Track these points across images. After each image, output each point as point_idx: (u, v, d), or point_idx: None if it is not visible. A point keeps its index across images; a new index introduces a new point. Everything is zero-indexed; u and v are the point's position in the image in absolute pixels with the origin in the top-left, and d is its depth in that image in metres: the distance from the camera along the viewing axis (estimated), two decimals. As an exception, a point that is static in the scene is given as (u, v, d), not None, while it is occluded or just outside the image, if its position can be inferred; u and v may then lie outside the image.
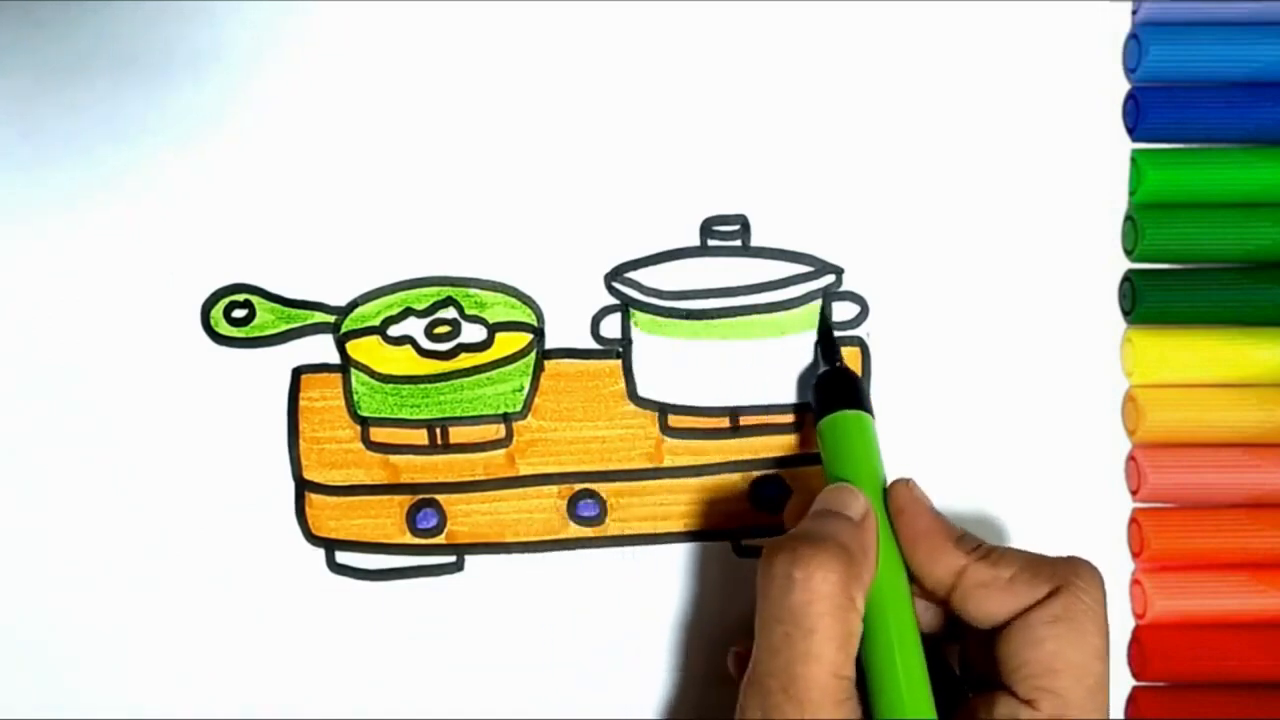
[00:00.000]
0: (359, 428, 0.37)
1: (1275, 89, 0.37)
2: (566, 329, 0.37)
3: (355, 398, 0.37)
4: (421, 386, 0.37)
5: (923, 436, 0.38)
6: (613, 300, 0.37)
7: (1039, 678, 0.29)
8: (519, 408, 0.37)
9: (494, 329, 0.37)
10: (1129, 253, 0.38)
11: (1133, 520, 0.38)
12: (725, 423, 0.37)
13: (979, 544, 0.31)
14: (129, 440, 0.37)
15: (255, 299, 0.37)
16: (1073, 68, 0.38)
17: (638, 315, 0.37)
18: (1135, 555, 0.38)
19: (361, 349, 0.37)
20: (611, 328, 0.37)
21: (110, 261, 0.37)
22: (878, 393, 0.38)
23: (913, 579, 0.31)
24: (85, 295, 0.36)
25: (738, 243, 0.37)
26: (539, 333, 0.37)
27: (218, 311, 0.37)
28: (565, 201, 0.37)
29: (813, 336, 0.37)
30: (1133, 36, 0.38)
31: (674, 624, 0.37)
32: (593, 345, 0.37)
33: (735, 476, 0.37)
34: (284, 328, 0.37)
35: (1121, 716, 0.38)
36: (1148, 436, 0.38)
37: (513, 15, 0.37)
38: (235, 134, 0.37)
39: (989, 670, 0.30)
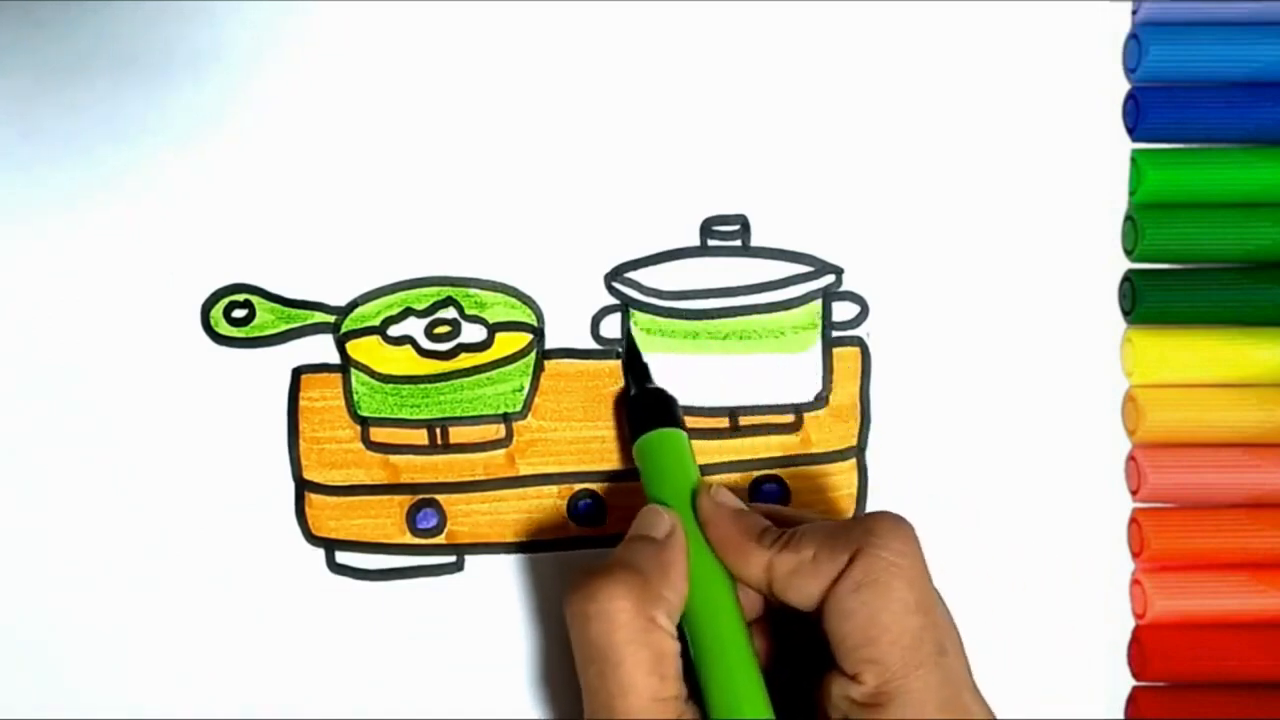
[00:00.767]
0: (359, 428, 0.37)
1: (1275, 89, 0.37)
2: (566, 329, 0.37)
3: (355, 398, 0.37)
4: (421, 386, 0.37)
5: (922, 436, 0.38)
6: (613, 300, 0.37)
7: (858, 649, 0.29)
8: (519, 408, 0.37)
9: (494, 329, 0.37)
10: (1129, 253, 0.38)
11: (1133, 520, 0.38)
12: (725, 423, 0.37)
13: (780, 533, 0.31)
14: (129, 440, 0.37)
15: (255, 299, 0.37)
16: (1073, 68, 0.38)
17: (637, 316, 0.37)
18: (1135, 555, 0.38)
19: (361, 349, 0.37)
20: (611, 328, 0.37)
21: (110, 261, 0.36)
22: (878, 393, 0.38)
23: (736, 580, 0.32)
24: (85, 295, 0.36)
25: (738, 243, 0.37)
26: (539, 333, 0.37)
27: (218, 311, 0.37)
28: (565, 201, 0.37)
29: (814, 337, 0.37)
30: (1133, 36, 0.38)
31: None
32: (593, 345, 0.37)
33: (735, 476, 0.37)
34: (284, 328, 0.37)
35: (1121, 716, 0.38)
36: (1148, 436, 0.38)
37: (513, 15, 0.37)
38: (235, 134, 0.37)
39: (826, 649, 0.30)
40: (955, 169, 0.38)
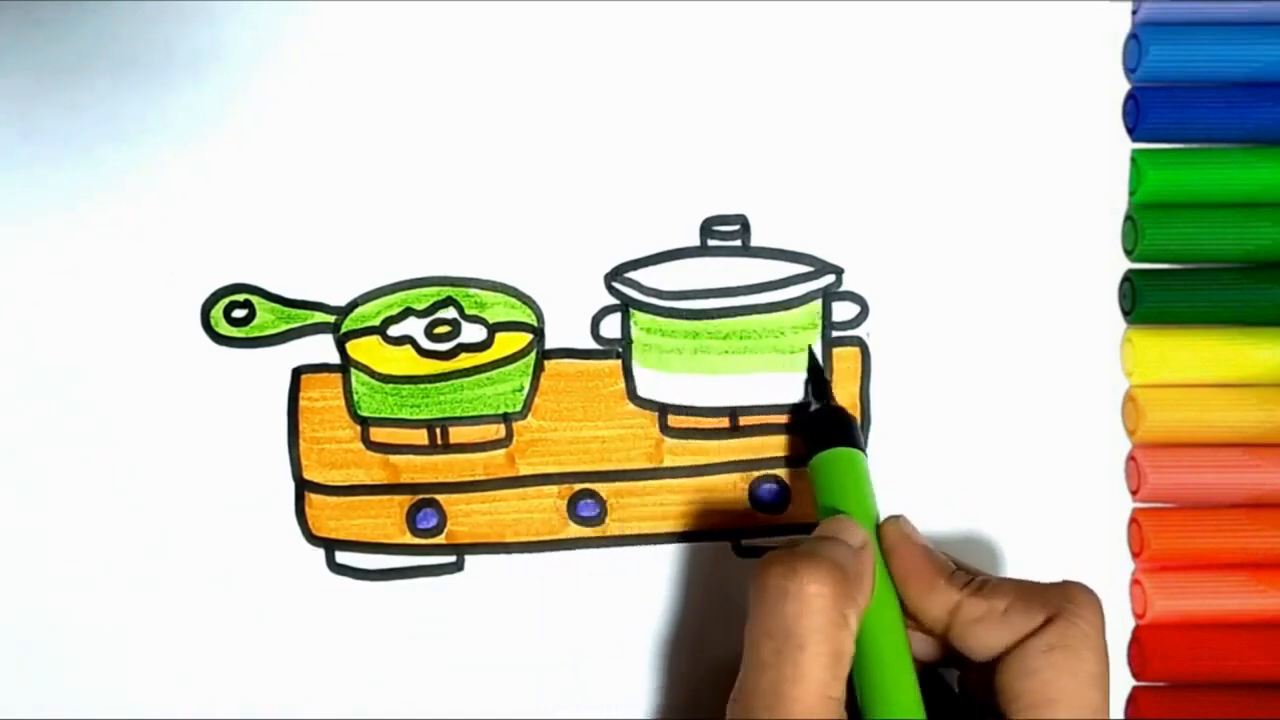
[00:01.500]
0: (359, 428, 0.37)
1: (1275, 89, 0.37)
2: (566, 329, 0.37)
3: (355, 398, 0.37)
4: (421, 386, 0.37)
5: (923, 437, 0.38)
6: (613, 300, 0.37)
7: (1035, 708, 0.29)
8: (519, 408, 0.37)
9: (494, 329, 0.37)
10: (1129, 253, 0.38)
11: (1133, 520, 0.38)
12: (725, 423, 0.37)
13: (971, 577, 0.31)
14: (129, 440, 0.37)
15: (255, 299, 0.37)
16: (1073, 68, 0.38)
17: (637, 316, 0.37)
18: (1135, 555, 0.38)
19: (361, 349, 0.37)
20: (611, 328, 0.37)
21: (110, 261, 0.37)
22: (878, 393, 0.38)
23: (909, 615, 0.31)
24: (85, 295, 0.36)
25: (738, 243, 0.37)
26: (539, 333, 0.37)
27: (218, 311, 0.37)
28: (565, 201, 0.37)
29: (814, 336, 0.37)
30: (1133, 36, 0.38)
31: (673, 624, 0.37)
32: (593, 345, 0.37)
33: (735, 476, 0.37)
34: (284, 328, 0.37)
35: (1121, 716, 0.38)
36: (1148, 436, 0.38)
37: (513, 15, 0.37)
38: (235, 134, 0.37)
39: (988, 699, 0.30)
40: (955, 169, 0.38)
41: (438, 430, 0.37)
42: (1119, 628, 0.38)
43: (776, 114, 0.37)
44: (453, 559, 0.37)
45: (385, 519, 0.37)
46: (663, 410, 0.37)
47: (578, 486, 0.37)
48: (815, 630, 0.29)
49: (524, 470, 0.37)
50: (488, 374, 0.37)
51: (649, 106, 0.37)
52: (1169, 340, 0.38)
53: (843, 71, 0.37)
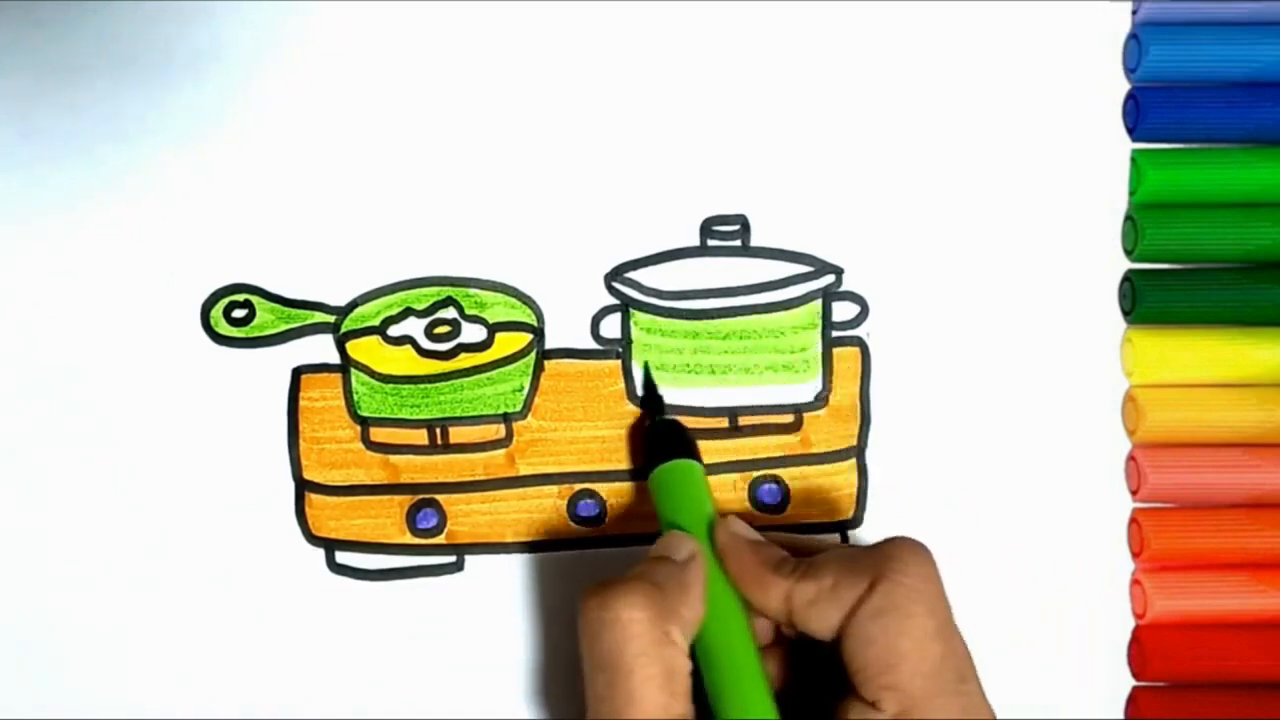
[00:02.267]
0: (359, 428, 0.37)
1: (1275, 89, 0.37)
2: (566, 329, 0.37)
3: (355, 398, 0.37)
4: (421, 386, 0.37)
5: (923, 436, 0.38)
6: (613, 300, 0.37)
7: (878, 676, 0.29)
8: (519, 408, 0.37)
9: (494, 329, 0.37)
10: (1129, 253, 0.38)
11: (1133, 520, 0.38)
12: (725, 423, 0.37)
13: (798, 563, 0.31)
14: (129, 440, 0.37)
15: (255, 299, 0.37)
16: (1073, 68, 0.38)
17: (637, 316, 0.37)
18: (1135, 555, 0.38)
19: (361, 349, 0.37)
20: (611, 328, 0.37)
21: (110, 261, 0.36)
22: (878, 393, 0.38)
23: (756, 613, 0.32)
24: (85, 295, 0.36)
25: (738, 243, 0.37)
26: (539, 333, 0.37)
27: (218, 311, 0.37)
28: (565, 201, 0.37)
29: (814, 337, 0.37)
30: (1133, 36, 0.38)
31: (674, 624, 0.37)
32: (593, 345, 0.37)
33: (735, 476, 0.37)
34: (284, 328, 0.37)
35: (1121, 716, 0.38)
36: (1148, 436, 0.38)
37: (513, 15, 0.37)
38: (235, 134, 0.37)
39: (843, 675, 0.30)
40: (955, 169, 0.38)
41: (438, 430, 0.37)
42: (1119, 628, 0.38)
43: (776, 114, 0.37)
44: (453, 559, 0.37)
45: (385, 519, 0.37)
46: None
47: (578, 486, 0.37)
48: (639, 654, 0.29)
49: (524, 470, 0.37)
50: (488, 374, 0.37)
51: (649, 106, 0.37)
52: (1169, 340, 0.38)
53: (843, 71, 0.37)
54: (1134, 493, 0.38)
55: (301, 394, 0.37)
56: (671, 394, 0.37)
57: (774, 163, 0.37)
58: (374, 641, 0.37)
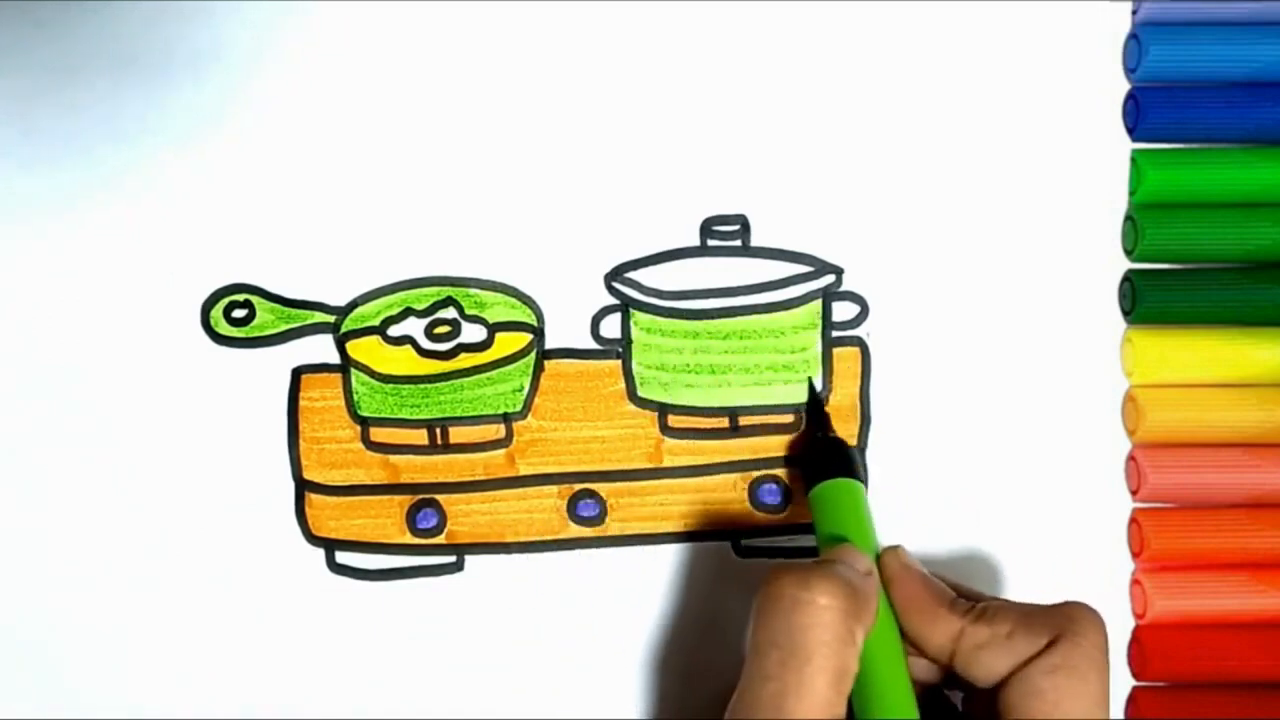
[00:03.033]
0: (359, 428, 0.37)
1: (1275, 89, 0.37)
2: (566, 329, 0.37)
3: (355, 398, 0.37)
4: (421, 386, 0.37)
5: (923, 437, 0.38)
6: (613, 300, 0.37)
7: None
8: (519, 408, 0.37)
9: (494, 329, 0.37)
10: (1129, 253, 0.38)
11: (1133, 520, 0.38)
12: (725, 423, 0.37)
13: (972, 605, 0.31)
14: (129, 440, 0.37)
15: (255, 299, 0.37)
16: (1073, 68, 0.38)
17: (637, 316, 0.37)
18: (1135, 555, 0.38)
19: (361, 349, 0.37)
20: (611, 328, 0.37)
21: (110, 261, 0.37)
22: (878, 393, 0.38)
23: (911, 644, 0.31)
24: (85, 295, 0.36)
25: (738, 243, 0.37)
26: (539, 333, 0.37)
27: (218, 311, 0.37)
28: (565, 201, 0.37)
29: (814, 336, 0.37)
30: (1133, 36, 0.38)
31: (673, 624, 0.37)
32: (593, 345, 0.37)
33: (735, 476, 0.37)
34: (284, 328, 0.37)
35: (1121, 716, 0.38)
36: (1148, 436, 0.38)
37: (513, 15, 0.37)
38: (235, 134, 0.37)
39: None
40: (955, 169, 0.38)
41: (438, 430, 0.37)
42: (1119, 628, 0.38)
43: (776, 114, 0.37)
44: (453, 559, 0.37)
45: (385, 519, 0.37)
46: (662, 410, 0.37)
47: (578, 486, 0.37)
48: (823, 644, 0.28)
49: (524, 470, 0.37)
50: (488, 374, 0.37)
51: (649, 106, 0.37)
52: (1169, 340, 0.38)
53: (843, 71, 0.37)
54: (1134, 493, 0.38)
55: (301, 394, 0.37)
56: (672, 393, 0.37)
57: (774, 163, 0.37)
58: (374, 641, 0.37)
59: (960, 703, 0.33)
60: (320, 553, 0.37)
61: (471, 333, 0.37)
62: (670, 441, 0.37)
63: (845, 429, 0.37)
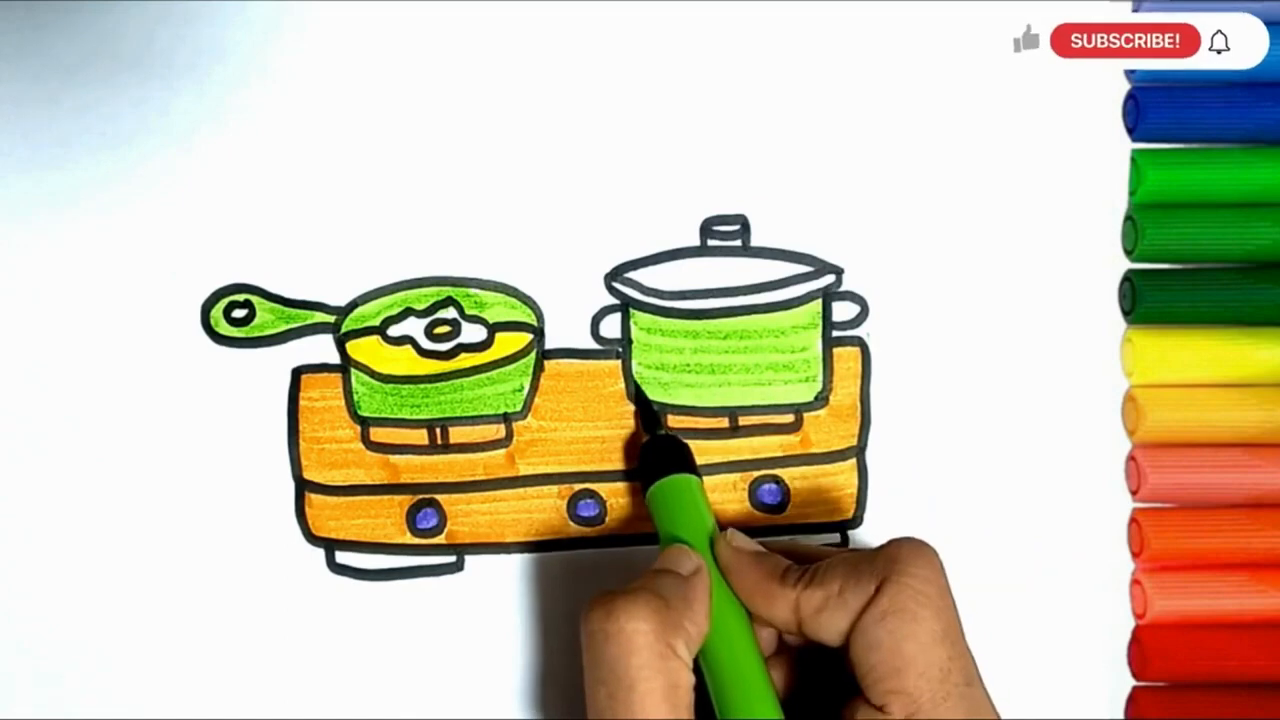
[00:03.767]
0: (359, 428, 0.37)
1: (1275, 89, 0.37)
2: (566, 329, 0.37)
3: (355, 398, 0.37)
4: (421, 386, 0.37)
5: (922, 436, 0.38)
6: (613, 300, 0.37)
7: (885, 680, 0.29)
8: (519, 408, 0.37)
9: (494, 329, 0.37)
10: (1129, 253, 0.38)
11: (1133, 520, 0.38)
12: (725, 423, 0.37)
13: (803, 571, 0.31)
14: (129, 440, 0.37)
15: (255, 299, 0.37)
16: (1073, 68, 0.38)
17: (637, 316, 0.37)
18: (1135, 555, 0.38)
19: (361, 349, 0.37)
20: (611, 328, 0.37)
21: (111, 262, 0.36)
22: (878, 393, 0.38)
23: (764, 625, 0.31)
24: (85, 295, 0.36)
25: (738, 243, 0.37)
26: (539, 333, 0.37)
27: (218, 311, 0.37)
28: (565, 201, 0.37)
29: (814, 337, 0.37)
30: (1133, 36, 0.38)
31: (674, 624, 0.37)
32: (593, 345, 0.37)
33: (735, 476, 0.37)
34: (284, 328, 0.37)
35: (1121, 716, 0.38)
36: (1148, 436, 0.38)
37: (513, 15, 0.37)
38: (235, 134, 0.37)
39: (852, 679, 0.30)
40: (955, 169, 0.38)
41: (438, 430, 0.37)
42: (1119, 628, 0.38)
43: (776, 114, 0.37)
44: (453, 559, 0.37)
45: (385, 519, 0.37)
46: (663, 410, 0.37)
47: (578, 486, 0.37)
48: (642, 667, 0.28)
49: (524, 470, 0.37)
50: (488, 374, 0.37)
51: (649, 106, 0.37)
52: (1169, 340, 0.38)
53: (843, 73, 0.37)
54: (1134, 493, 0.38)
55: (301, 394, 0.37)
56: (672, 393, 0.37)
57: (774, 163, 0.37)
58: (374, 641, 0.37)
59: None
60: (320, 553, 0.37)
61: (471, 333, 0.37)
62: (670, 441, 0.37)
63: (845, 429, 0.37)
